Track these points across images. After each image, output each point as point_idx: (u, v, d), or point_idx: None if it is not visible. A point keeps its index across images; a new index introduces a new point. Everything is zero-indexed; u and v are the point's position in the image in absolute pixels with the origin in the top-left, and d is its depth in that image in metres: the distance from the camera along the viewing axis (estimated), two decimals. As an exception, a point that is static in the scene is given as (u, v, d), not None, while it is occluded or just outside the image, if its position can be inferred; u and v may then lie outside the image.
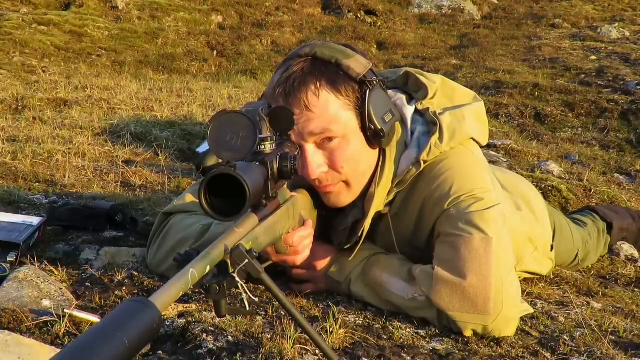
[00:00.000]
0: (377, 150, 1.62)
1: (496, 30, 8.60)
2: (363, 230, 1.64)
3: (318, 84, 1.53)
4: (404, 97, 1.70)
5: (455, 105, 1.70)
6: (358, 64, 1.57)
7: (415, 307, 1.58)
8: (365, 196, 1.63)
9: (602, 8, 9.34)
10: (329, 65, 1.55)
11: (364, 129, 1.57)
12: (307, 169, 1.55)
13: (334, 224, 1.70)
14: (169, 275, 1.67)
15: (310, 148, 1.55)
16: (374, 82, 1.57)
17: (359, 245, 1.66)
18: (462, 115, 1.67)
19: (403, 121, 1.66)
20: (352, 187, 1.61)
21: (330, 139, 1.55)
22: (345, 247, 1.68)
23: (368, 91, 1.56)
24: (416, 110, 1.69)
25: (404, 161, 1.63)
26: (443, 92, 1.72)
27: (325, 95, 1.53)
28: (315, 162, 1.56)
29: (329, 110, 1.54)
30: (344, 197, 1.63)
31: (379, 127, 1.56)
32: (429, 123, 1.66)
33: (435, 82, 1.72)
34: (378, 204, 1.63)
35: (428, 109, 1.67)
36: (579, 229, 2.33)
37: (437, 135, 1.62)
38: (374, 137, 1.57)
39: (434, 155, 1.62)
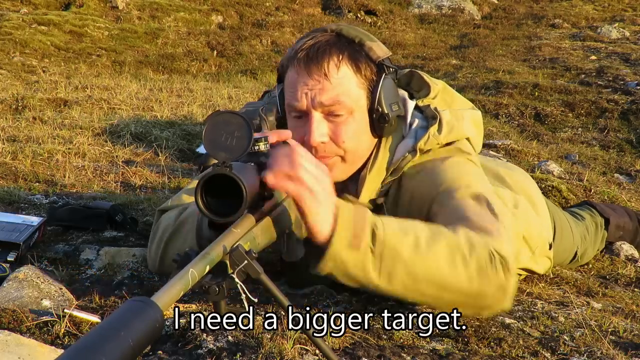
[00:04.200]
0: (376, 137, 1.65)
1: (496, 30, 8.60)
2: None
3: (341, 57, 1.58)
4: (406, 93, 1.74)
5: (452, 109, 1.73)
6: (379, 48, 1.62)
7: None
8: (358, 182, 1.65)
9: (602, 8, 9.34)
10: (353, 43, 1.60)
11: (371, 110, 1.61)
12: (310, 135, 1.58)
13: None
14: (164, 271, 1.69)
15: (317, 115, 1.59)
16: (390, 69, 1.63)
17: None
18: (461, 115, 1.71)
19: (404, 115, 1.69)
20: (347, 163, 1.63)
21: (337, 115, 1.58)
22: None
23: (383, 75, 1.61)
24: (416, 107, 1.71)
25: (400, 149, 1.66)
26: (443, 96, 1.76)
27: (345, 69, 1.58)
28: (319, 130, 1.59)
29: (344, 84, 1.57)
30: (337, 172, 1.64)
31: (386, 112, 1.60)
32: (429, 118, 1.69)
33: (437, 85, 1.76)
34: (371, 189, 1.65)
35: (429, 105, 1.70)
36: (577, 223, 2.33)
37: (436, 126, 1.65)
38: (378, 121, 1.61)
39: (430, 145, 1.64)
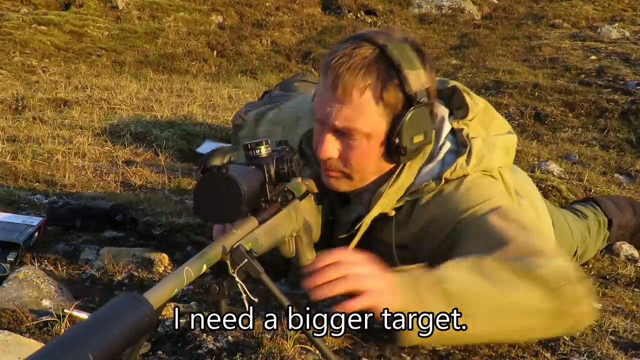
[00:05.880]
0: (391, 163, 1.62)
1: (496, 30, 8.59)
2: (362, 224, 1.65)
3: (369, 82, 1.51)
4: (446, 111, 1.69)
5: (489, 134, 1.69)
6: (416, 80, 1.54)
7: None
8: (374, 194, 1.64)
9: (602, 8, 9.33)
10: (390, 67, 1.53)
11: (387, 140, 1.56)
12: (320, 150, 1.58)
13: (338, 218, 1.72)
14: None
15: (330, 133, 1.58)
16: (421, 103, 1.55)
17: (356, 238, 1.67)
18: (492, 144, 1.66)
19: (437, 134, 1.65)
20: (354, 180, 1.64)
21: (350, 137, 1.56)
22: (340, 237, 1.70)
23: (411, 109, 1.54)
24: (451, 129, 1.68)
25: (425, 173, 1.63)
26: (481, 118, 1.70)
27: (368, 96, 1.52)
28: (329, 146, 1.58)
29: (364, 110, 1.53)
30: (343, 184, 1.65)
31: (403, 145, 1.55)
32: (459, 144, 1.65)
33: (478, 105, 1.70)
34: (384, 204, 1.63)
35: (462, 130, 1.66)
36: (577, 222, 2.32)
37: (465, 156, 1.61)
38: (393, 151, 1.57)
39: (457, 175, 1.61)
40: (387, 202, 1.63)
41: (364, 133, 1.55)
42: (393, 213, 1.66)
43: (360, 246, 1.71)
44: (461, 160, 1.61)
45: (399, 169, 1.62)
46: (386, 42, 1.54)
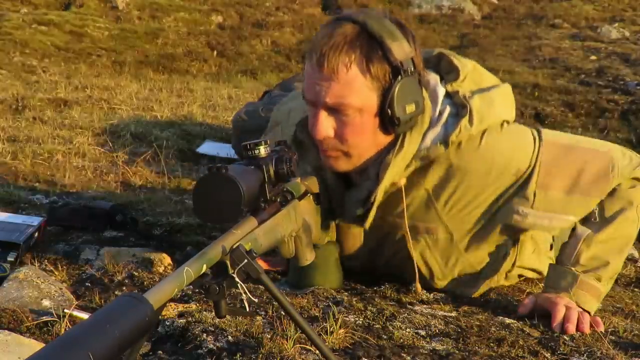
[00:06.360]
0: (389, 135, 1.64)
1: (496, 30, 8.59)
2: (375, 198, 1.67)
3: (353, 57, 1.54)
4: (437, 77, 1.72)
5: (481, 87, 1.71)
6: (400, 50, 1.57)
7: None
8: (380, 166, 1.66)
9: (602, 8, 9.34)
10: (372, 40, 1.55)
11: (381, 112, 1.58)
12: (315, 130, 1.60)
13: (346, 199, 1.73)
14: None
15: (322, 112, 1.59)
16: (409, 72, 1.58)
17: (372, 212, 1.69)
18: (490, 99, 1.69)
19: (434, 100, 1.67)
20: (352, 158, 1.64)
21: (343, 114, 1.58)
22: (357, 215, 1.71)
23: (399, 78, 1.56)
24: (445, 93, 1.71)
25: (430, 137, 1.65)
26: (472, 77, 1.73)
27: (355, 70, 1.54)
28: (323, 126, 1.59)
29: (353, 85, 1.55)
30: (342, 164, 1.66)
31: (396, 115, 1.57)
32: (458, 105, 1.67)
33: (467, 67, 1.74)
34: (394, 173, 1.65)
35: (457, 92, 1.68)
36: None
37: (467, 117, 1.64)
38: (388, 123, 1.59)
39: (462, 137, 1.64)
40: (396, 171, 1.65)
41: (355, 108, 1.57)
42: (403, 182, 1.68)
43: (373, 225, 1.72)
44: (464, 121, 1.63)
45: (401, 138, 1.63)
46: (365, 18, 1.57)
